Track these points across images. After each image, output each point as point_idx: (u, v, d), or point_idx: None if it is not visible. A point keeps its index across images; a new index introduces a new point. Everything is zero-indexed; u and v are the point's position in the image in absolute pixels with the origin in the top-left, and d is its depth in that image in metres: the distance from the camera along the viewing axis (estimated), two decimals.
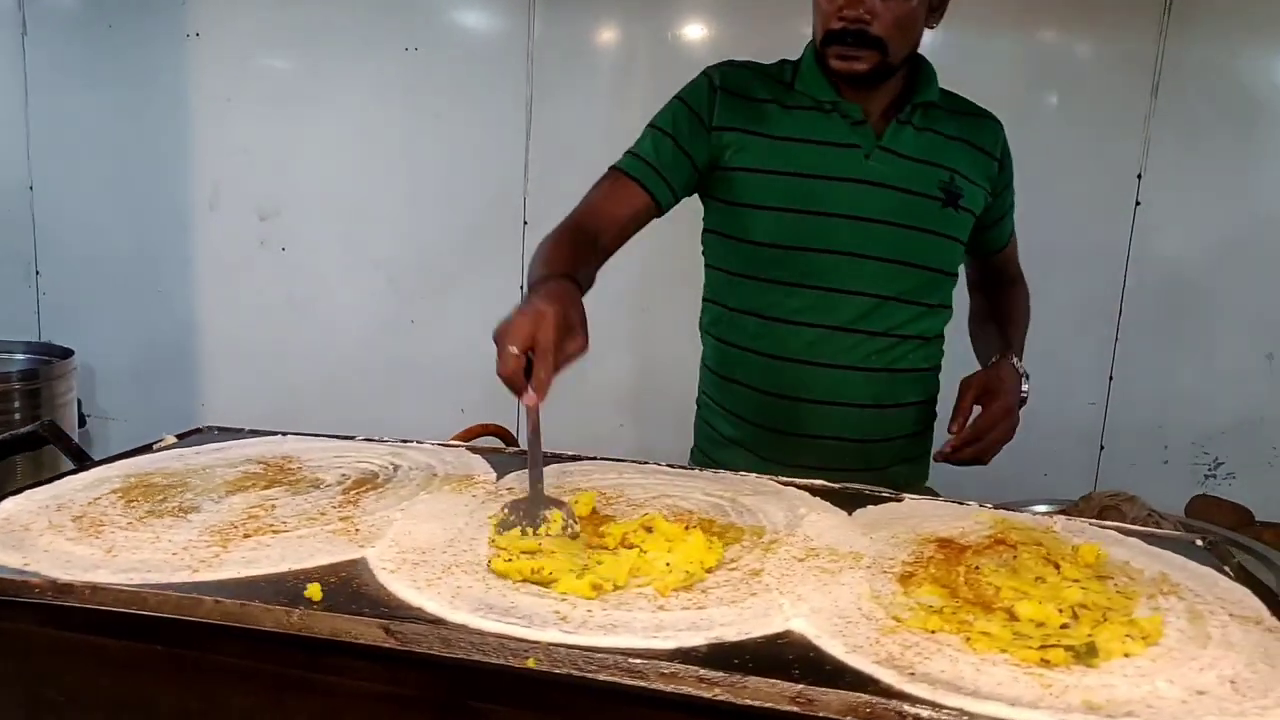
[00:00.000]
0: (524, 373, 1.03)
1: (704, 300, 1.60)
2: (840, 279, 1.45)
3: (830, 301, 1.45)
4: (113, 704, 0.83)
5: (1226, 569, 0.98)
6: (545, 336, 1.03)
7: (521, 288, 3.09)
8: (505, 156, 3.06)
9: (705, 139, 1.47)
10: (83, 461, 1.10)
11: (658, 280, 2.76)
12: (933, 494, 1.48)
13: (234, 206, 3.30)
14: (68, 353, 1.61)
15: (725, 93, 1.47)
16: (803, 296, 1.46)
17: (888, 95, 1.47)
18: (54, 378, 1.52)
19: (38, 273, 3.44)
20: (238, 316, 3.36)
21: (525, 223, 3.08)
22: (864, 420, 1.49)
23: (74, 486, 1.00)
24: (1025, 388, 1.49)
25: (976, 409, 1.42)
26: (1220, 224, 2.56)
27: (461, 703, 0.77)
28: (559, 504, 0.99)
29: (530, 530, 0.93)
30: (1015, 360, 1.50)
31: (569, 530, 0.95)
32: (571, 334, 1.08)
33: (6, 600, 0.78)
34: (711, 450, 1.60)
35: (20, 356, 1.64)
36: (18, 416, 1.41)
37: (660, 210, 1.48)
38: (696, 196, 1.54)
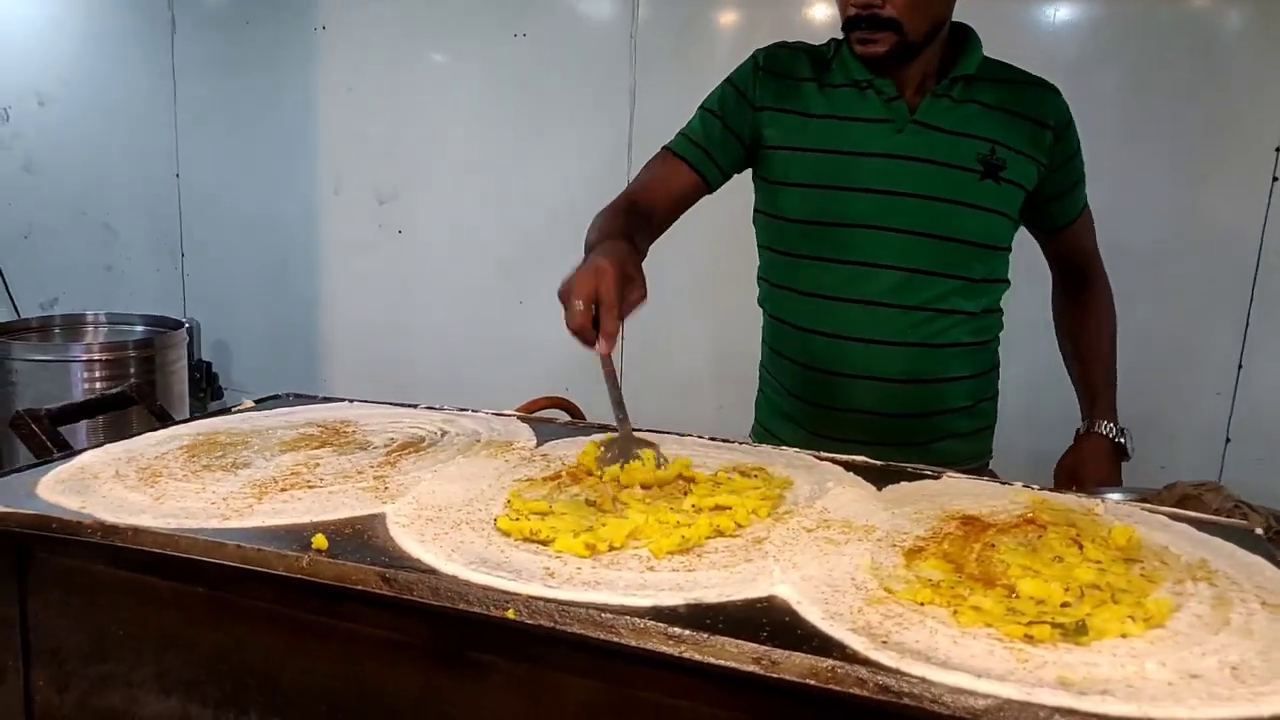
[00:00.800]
0: (591, 325, 1.11)
1: (758, 278, 1.62)
2: (871, 253, 1.45)
3: (862, 276, 1.46)
4: (163, 639, 0.90)
5: None
6: (607, 289, 1.11)
7: None
8: (610, 140, 3.10)
9: (751, 118, 1.50)
10: (164, 421, 1.20)
11: (726, 260, 2.76)
12: (991, 474, 1.45)
13: (355, 191, 3.47)
14: (178, 324, 1.75)
15: (766, 73, 1.50)
16: (836, 272, 1.47)
17: (922, 70, 1.45)
18: (167, 347, 1.65)
19: (183, 254, 3.71)
20: (358, 296, 3.53)
21: None
22: (903, 395, 1.48)
23: (149, 442, 1.10)
24: (1126, 444, 1.55)
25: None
26: None
27: (461, 653, 0.81)
28: (650, 444, 1.09)
29: (621, 465, 1.03)
30: (1103, 426, 1.55)
31: (661, 465, 1.05)
32: (631, 284, 1.15)
33: (63, 538, 0.86)
34: (769, 424, 1.63)
35: (139, 328, 1.79)
36: (134, 380, 1.53)
37: (709, 188, 1.52)
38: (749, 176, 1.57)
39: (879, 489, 1.05)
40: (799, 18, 2.81)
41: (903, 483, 1.08)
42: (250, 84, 3.54)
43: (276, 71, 3.50)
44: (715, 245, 2.64)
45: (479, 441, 1.16)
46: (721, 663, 0.69)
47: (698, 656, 0.69)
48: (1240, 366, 2.48)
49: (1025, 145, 1.47)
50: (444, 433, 1.20)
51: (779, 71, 1.50)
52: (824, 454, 1.17)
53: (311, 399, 1.40)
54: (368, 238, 3.47)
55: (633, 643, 0.71)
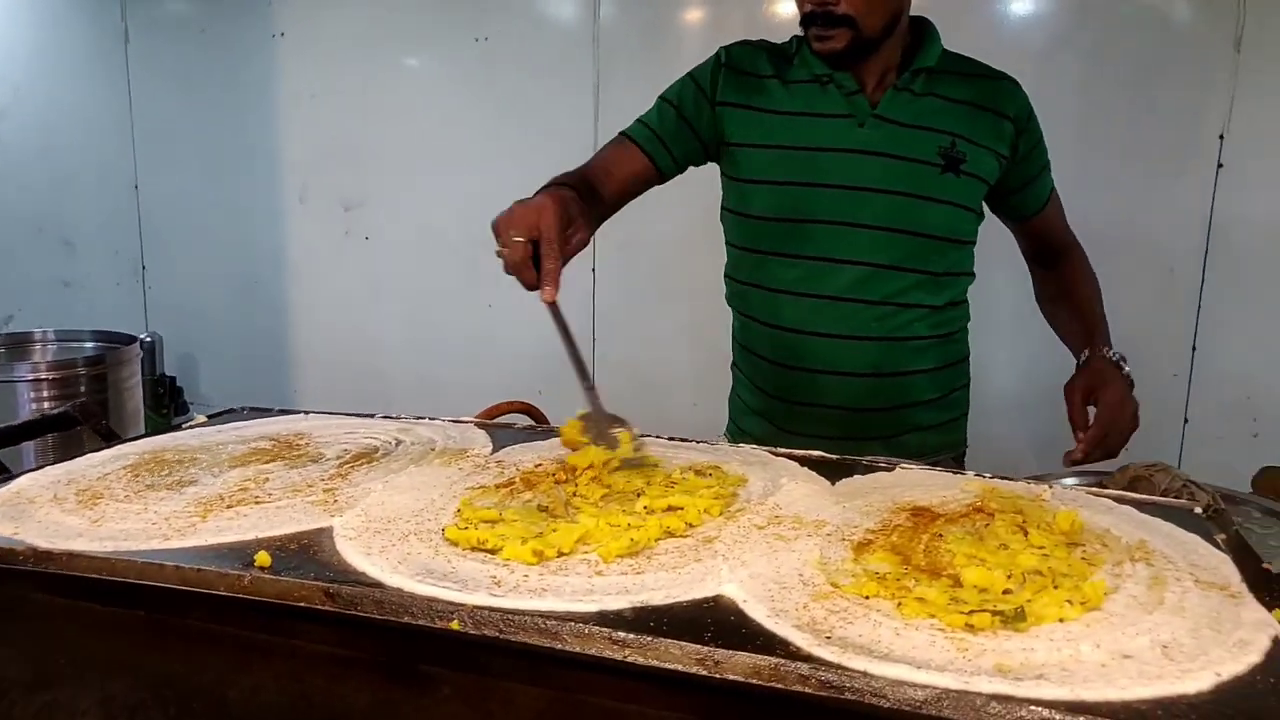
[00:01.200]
0: (531, 262, 1.04)
1: (725, 276, 1.62)
2: (833, 248, 1.45)
3: (824, 271, 1.46)
4: (105, 665, 0.89)
5: (1220, 537, 0.93)
6: (548, 225, 1.05)
7: (593, 269, 3.15)
8: (575, 142, 3.08)
9: (710, 114, 1.50)
10: (110, 440, 1.18)
11: (697, 257, 2.76)
12: (955, 464, 1.46)
13: (321, 199, 3.45)
14: (131, 339, 1.73)
15: (729, 69, 1.51)
16: (798, 267, 1.47)
17: (882, 64, 1.46)
18: (119, 363, 1.63)
19: (144, 267, 3.68)
20: (327, 304, 3.51)
21: None
22: (868, 389, 1.49)
23: (90, 463, 1.08)
24: (1126, 369, 1.49)
25: (1091, 409, 1.43)
26: None
27: (409, 666, 0.81)
28: (620, 421, 1.08)
29: (608, 448, 1.04)
30: (1105, 350, 1.51)
31: (638, 446, 1.05)
32: (573, 225, 1.10)
33: None
34: (740, 420, 1.64)
35: (90, 345, 1.77)
36: (84, 400, 1.51)
37: (660, 176, 1.53)
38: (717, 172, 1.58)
39: (833, 483, 1.06)
40: (762, 14, 2.81)
41: (856, 476, 1.09)
42: (209, 93, 3.50)
43: (236, 80, 3.47)
44: (686, 243, 2.66)
45: (433, 450, 1.15)
46: (666, 665, 0.69)
47: (642, 660, 0.69)
48: (1194, 349, 2.51)
49: (986, 138, 1.47)
50: (398, 442, 1.19)
51: (742, 69, 1.51)
52: (780, 450, 1.17)
53: (267, 412, 1.39)
54: (335, 245, 3.45)
55: (578, 649, 0.71)
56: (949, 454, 1.58)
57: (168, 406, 3.17)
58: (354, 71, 3.32)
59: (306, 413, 1.35)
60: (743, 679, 0.67)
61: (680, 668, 0.68)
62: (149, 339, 3.15)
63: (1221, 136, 2.39)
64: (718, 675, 0.68)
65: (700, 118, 1.51)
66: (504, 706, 0.78)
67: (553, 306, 1.05)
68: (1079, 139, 2.43)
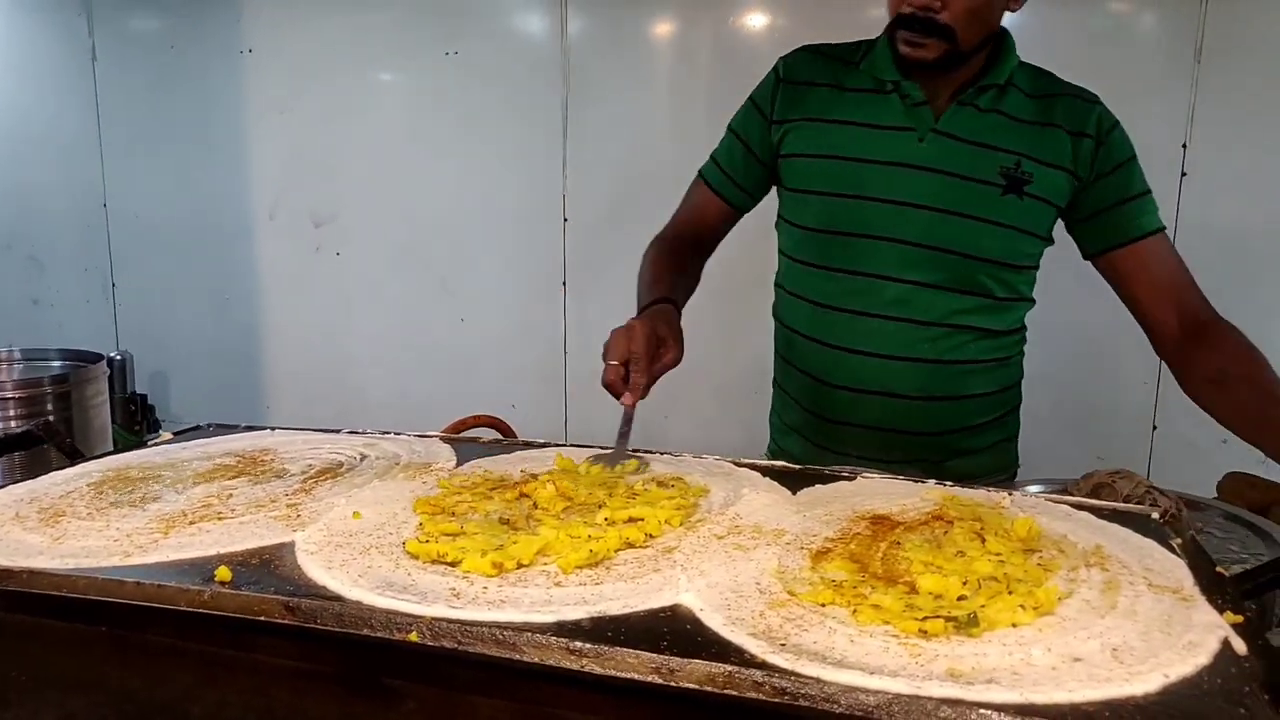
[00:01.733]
0: (621, 381, 1.23)
1: (775, 284, 1.61)
2: (882, 265, 1.42)
3: (872, 288, 1.43)
4: (68, 683, 0.89)
5: (1175, 542, 0.95)
6: (638, 348, 1.24)
7: (564, 282, 3.16)
8: (544, 155, 3.11)
9: (770, 134, 1.51)
10: (75, 459, 1.18)
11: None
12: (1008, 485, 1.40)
13: (291, 214, 3.44)
14: (97, 358, 1.72)
15: (786, 84, 1.50)
16: (847, 282, 1.45)
17: (960, 78, 1.40)
18: (84, 381, 1.62)
19: (114, 285, 3.65)
20: (299, 320, 3.50)
21: (565, 219, 3.12)
22: (911, 411, 1.45)
23: (54, 481, 1.08)
24: None
25: None
26: (1272, 193, 2.43)
27: (374, 679, 0.81)
28: (640, 458, 1.18)
29: (608, 467, 1.13)
30: None
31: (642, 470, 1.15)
32: (664, 346, 1.28)
33: None
34: (780, 438, 1.62)
35: (56, 364, 1.76)
36: (51, 419, 1.50)
37: (739, 212, 1.60)
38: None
39: (794, 492, 1.07)
40: (729, 27, 2.84)
41: (818, 485, 1.10)
42: (177, 110, 3.49)
43: (204, 96, 3.46)
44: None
45: (397, 464, 1.15)
46: (622, 674, 0.69)
47: (599, 669, 0.70)
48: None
49: (1056, 157, 1.39)
50: (363, 457, 1.19)
51: (798, 80, 1.49)
52: (743, 460, 1.18)
53: (233, 429, 1.38)
54: (306, 261, 3.44)
55: (535, 659, 0.71)
56: (1002, 475, 1.54)
57: (140, 424, 3.14)
58: (323, 87, 3.32)
59: (273, 429, 1.35)
60: (697, 687, 0.68)
61: (636, 676, 0.69)
62: (119, 357, 3.12)
63: (1184, 145, 2.43)
64: (673, 683, 0.69)
65: (763, 143, 1.51)
66: (467, 718, 0.78)
67: (628, 410, 1.23)
68: None
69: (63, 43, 3.53)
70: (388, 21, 3.20)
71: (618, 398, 1.23)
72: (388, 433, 1.32)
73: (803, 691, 0.66)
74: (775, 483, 1.09)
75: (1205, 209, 2.45)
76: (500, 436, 1.65)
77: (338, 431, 1.34)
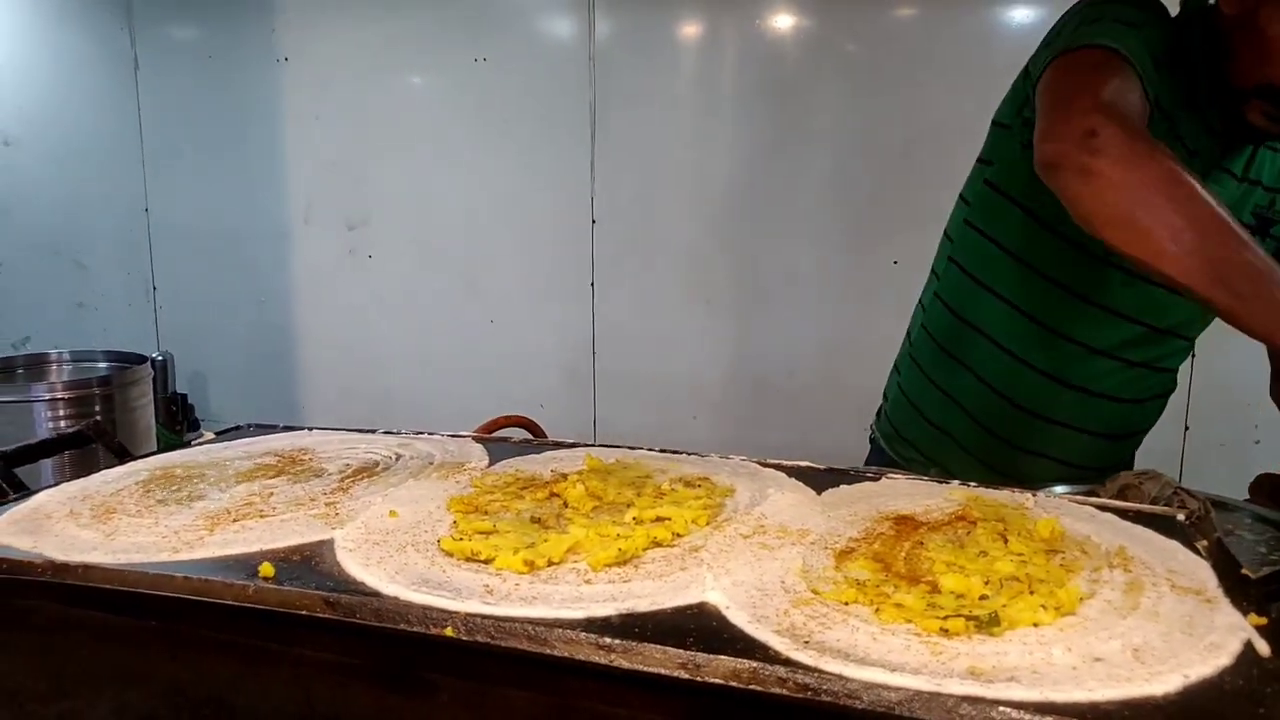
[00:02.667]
0: None
1: (949, 260, 1.48)
2: (1123, 303, 1.35)
3: (1105, 322, 1.37)
4: (121, 675, 0.92)
5: (1201, 544, 0.95)
6: None
7: (592, 283, 3.19)
8: (573, 157, 3.15)
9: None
10: (123, 457, 1.22)
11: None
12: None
13: (325, 218, 3.51)
14: (142, 359, 1.77)
15: (1167, 71, 1.24)
16: (1081, 309, 1.36)
17: None
18: (129, 383, 1.67)
19: (155, 288, 3.73)
20: (332, 322, 3.57)
21: (594, 221, 3.15)
22: (1096, 448, 1.42)
23: (105, 479, 1.12)
24: None
25: None
26: None
27: (409, 673, 0.84)
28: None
29: None
30: None
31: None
32: None
33: (14, 579, 0.88)
34: (908, 429, 1.51)
35: (102, 365, 1.82)
36: (98, 418, 1.55)
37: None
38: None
39: (819, 493, 1.08)
40: (755, 29, 2.85)
41: (843, 486, 1.11)
42: (216, 117, 3.57)
43: (241, 104, 3.54)
44: (699, 249, 2.67)
45: (432, 464, 1.18)
46: (650, 669, 0.71)
47: (627, 664, 0.72)
48: (1193, 355, 2.52)
49: None
50: (398, 456, 1.22)
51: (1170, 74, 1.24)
52: (769, 460, 1.20)
53: (272, 429, 1.42)
54: (339, 264, 3.51)
55: (565, 654, 0.73)
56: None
57: (180, 423, 3.22)
58: (356, 94, 3.38)
59: (310, 429, 1.38)
60: (723, 682, 0.70)
61: (663, 671, 0.71)
62: (160, 358, 3.19)
63: None
64: (699, 678, 0.71)
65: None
66: (501, 710, 0.80)
67: None
68: None
69: (106, 55, 3.62)
70: (418, 29, 3.25)
71: None
72: (421, 433, 1.35)
73: (825, 687, 0.67)
74: (800, 483, 1.11)
75: None
76: (531, 436, 1.68)
77: (373, 431, 1.37)
